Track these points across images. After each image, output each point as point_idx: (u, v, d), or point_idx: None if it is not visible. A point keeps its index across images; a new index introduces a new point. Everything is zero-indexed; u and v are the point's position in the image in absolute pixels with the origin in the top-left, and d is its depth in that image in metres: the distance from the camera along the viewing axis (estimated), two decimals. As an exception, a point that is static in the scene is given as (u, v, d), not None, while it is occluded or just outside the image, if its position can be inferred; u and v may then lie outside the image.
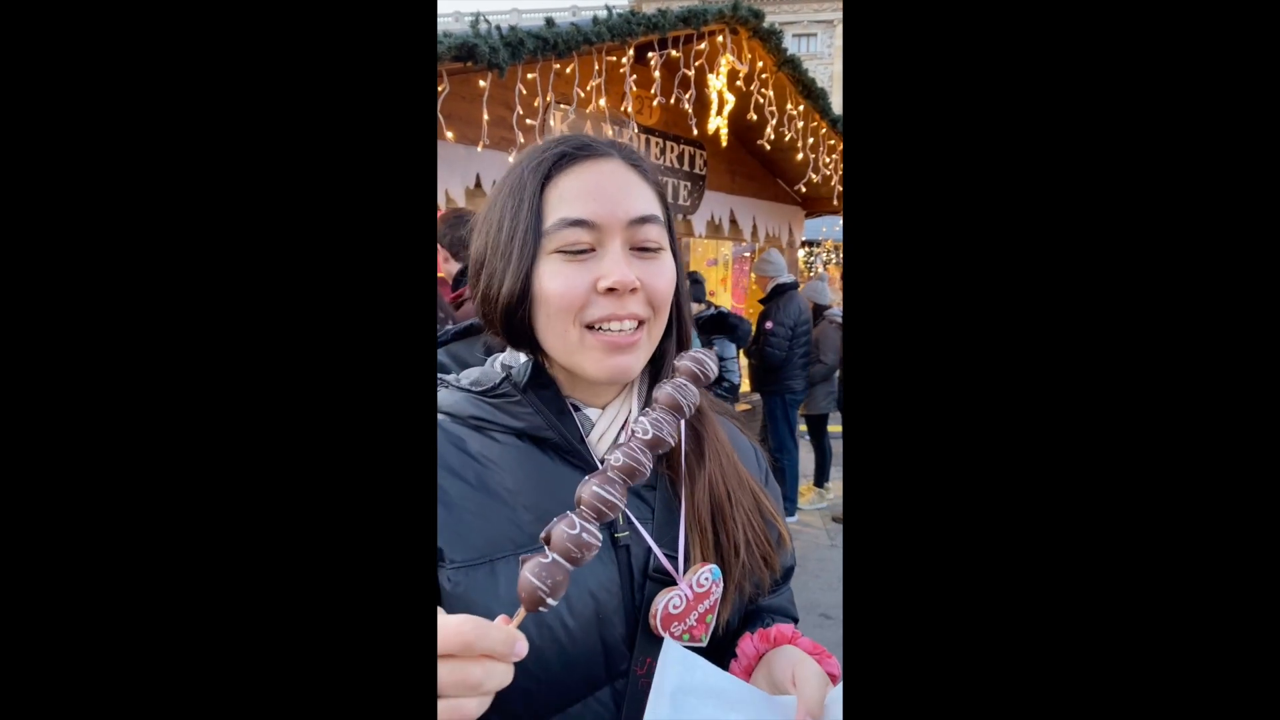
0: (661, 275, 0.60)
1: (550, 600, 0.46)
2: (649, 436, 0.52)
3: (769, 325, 4.01)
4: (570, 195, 0.58)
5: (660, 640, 0.59)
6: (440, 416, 0.62)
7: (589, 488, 0.49)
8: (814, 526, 4.31)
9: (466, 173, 2.74)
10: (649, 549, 0.61)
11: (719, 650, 0.63)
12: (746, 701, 0.58)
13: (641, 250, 0.59)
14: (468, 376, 0.63)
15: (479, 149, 2.63)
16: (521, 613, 0.47)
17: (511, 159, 2.76)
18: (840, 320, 4.43)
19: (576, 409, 0.63)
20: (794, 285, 4.19)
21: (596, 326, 0.58)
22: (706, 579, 0.62)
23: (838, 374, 4.41)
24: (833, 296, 4.76)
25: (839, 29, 27.15)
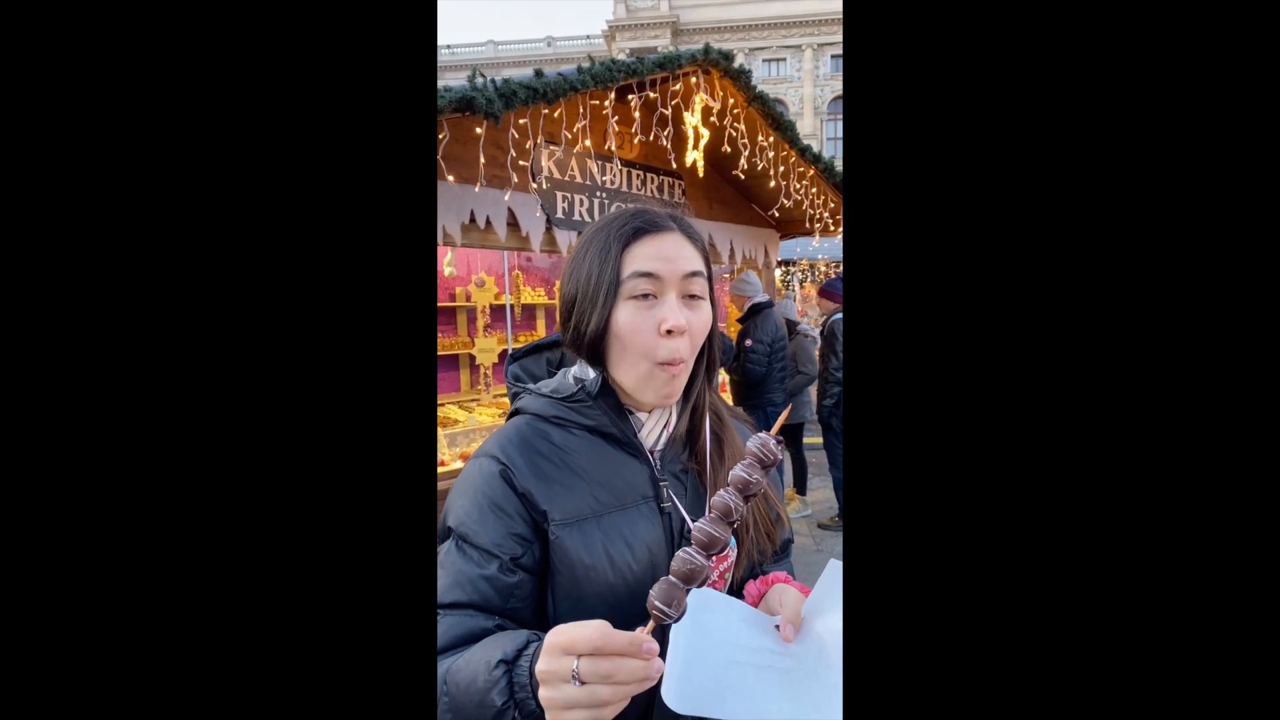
0: (701, 321, 0.79)
1: (670, 616, 0.57)
2: (720, 509, 0.62)
3: (749, 343, 4.19)
4: (642, 257, 0.77)
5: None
6: (529, 416, 0.82)
7: (693, 543, 0.60)
8: (799, 533, 4.47)
9: (462, 210, 2.94)
10: (683, 518, 0.80)
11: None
12: (747, 615, 0.72)
13: (690, 298, 0.79)
14: (546, 386, 0.84)
15: (476, 189, 2.84)
16: (651, 624, 0.57)
17: (506, 197, 2.98)
18: (813, 334, 4.64)
19: (631, 412, 0.83)
20: (769, 304, 4.38)
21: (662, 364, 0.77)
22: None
23: (813, 385, 4.61)
24: (808, 312, 4.96)
25: (807, 53, 27.78)
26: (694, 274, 0.78)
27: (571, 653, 0.53)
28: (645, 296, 0.77)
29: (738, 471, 0.63)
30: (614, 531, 0.76)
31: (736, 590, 0.83)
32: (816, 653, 0.67)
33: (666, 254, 0.78)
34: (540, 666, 0.55)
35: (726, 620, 0.69)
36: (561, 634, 0.55)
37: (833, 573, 0.68)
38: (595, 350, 0.80)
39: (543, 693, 0.55)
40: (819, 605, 0.70)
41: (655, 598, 0.57)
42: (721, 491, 0.62)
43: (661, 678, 0.55)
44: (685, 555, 0.59)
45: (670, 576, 0.58)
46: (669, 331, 0.76)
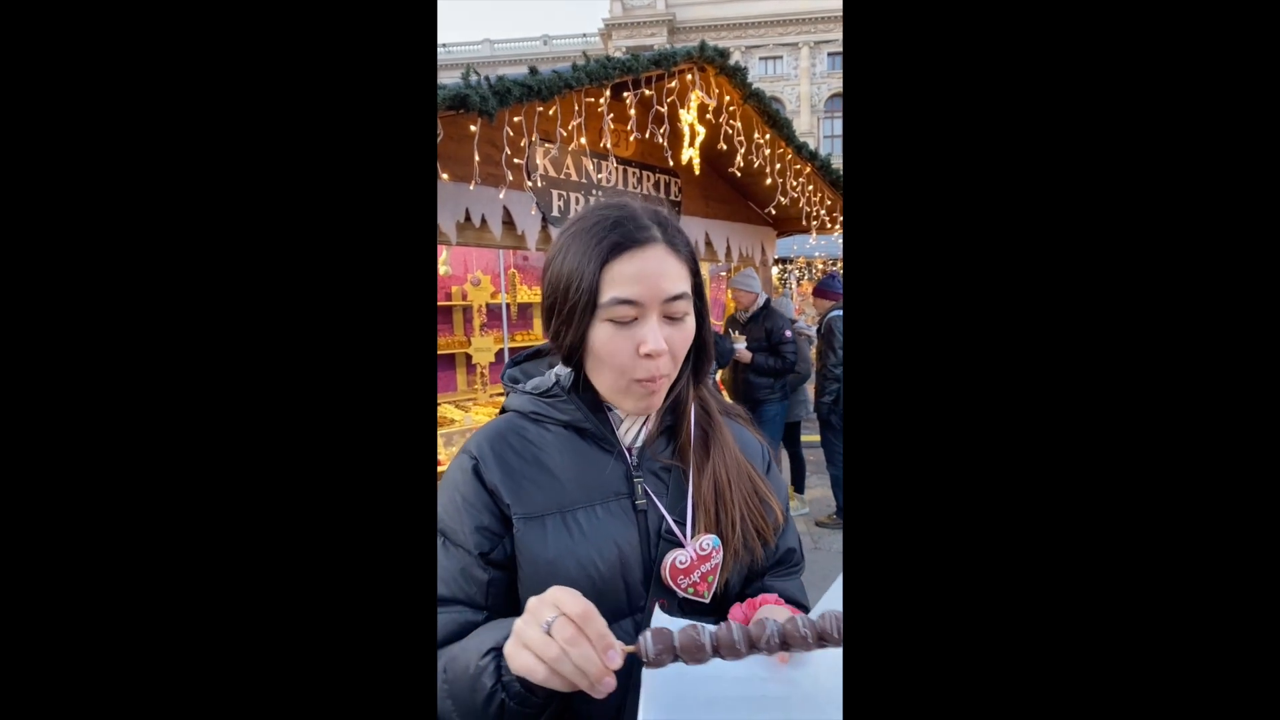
0: (683, 337, 0.76)
1: (645, 657, 0.57)
2: (745, 632, 0.60)
3: (788, 333, 4.19)
4: (621, 279, 0.72)
5: (669, 589, 0.75)
6: (512, 413, 0.82)
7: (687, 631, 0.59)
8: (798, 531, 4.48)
9: (457, 208, 2.92)
10: (662, 516, 0.78)
11: (721, 609, 0.79)
12: None
13: (671, 317, 0.75)
14: (531, 384, 0.83)
15: (470, 187, 2.82)
16: (630, 648, 0.57)
17: (501, 195, 2.96)
18: (808, 332, 4.63)
19: (610, 409, 0.81)
20: (769, 300, 4.42)
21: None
22: (707, 545, 0.77)
23: (808, 384, 4.61)
24: (805, 310, 4.97)
25: (804, 51, 27.77)
26: (676, 297, 0.74)
27: (559, 607, 0.56)
28: (624, 320, 0.73)
29: (768, 622, 0.60)
30: (577, 528, 0.75)
31: (723, 600, 0.80)
32: (813, 676, 0.63)
33: (648, 273, 0.73)
34: (530, 601, 0.58)
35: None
36: (563, 591, 0.58)
37: (837, 592, 0.64)
38: (572, 359, 0.79)
39: (518, 623, 0.58)
40: None
41: (649, 639, 0.57)
42: (741, 626, 0.59)
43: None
44: (695, 636, 0.58)
45: (677, 637, 0.57)
46: (648, 355, 0.73)
